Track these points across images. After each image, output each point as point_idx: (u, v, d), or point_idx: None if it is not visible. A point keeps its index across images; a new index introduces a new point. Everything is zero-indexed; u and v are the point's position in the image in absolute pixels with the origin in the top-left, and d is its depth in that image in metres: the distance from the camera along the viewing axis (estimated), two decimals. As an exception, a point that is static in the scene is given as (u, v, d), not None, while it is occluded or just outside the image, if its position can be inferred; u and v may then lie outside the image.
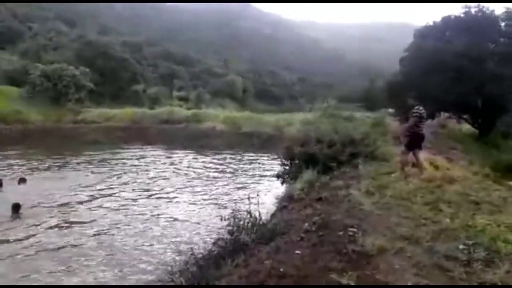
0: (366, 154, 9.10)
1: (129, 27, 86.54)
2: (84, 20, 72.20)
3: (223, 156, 19.99)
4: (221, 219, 5.53)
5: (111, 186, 12.66)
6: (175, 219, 9.31)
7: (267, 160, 18.29)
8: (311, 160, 8.54)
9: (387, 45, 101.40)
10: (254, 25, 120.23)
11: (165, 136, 24.54)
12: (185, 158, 19.50)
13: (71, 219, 9.03)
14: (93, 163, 16.96)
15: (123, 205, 10.37)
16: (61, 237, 7.89)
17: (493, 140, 19.46)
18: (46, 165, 15.96)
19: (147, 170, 15.74)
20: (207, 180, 14.24)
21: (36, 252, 7.06)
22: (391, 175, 7.38)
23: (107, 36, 50.93)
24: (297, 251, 3.94)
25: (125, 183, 13.20)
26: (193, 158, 19.39)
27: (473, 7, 20.09)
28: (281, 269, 3.49)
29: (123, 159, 18.42)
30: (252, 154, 20.51)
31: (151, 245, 7.63)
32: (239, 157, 19.81)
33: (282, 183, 9.58)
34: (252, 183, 13.82)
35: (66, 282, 6.04)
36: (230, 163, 18.36)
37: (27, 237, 7.73)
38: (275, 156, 12.32)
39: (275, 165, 12.25)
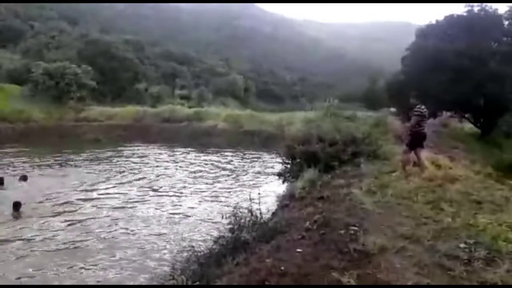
0: (368, 153, 9.10)
1: (130, 26, 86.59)
2: (86, 18, 72.32)
3: (224, 154, 20.00)
4: (222, 217, 5.53)
5: (113, 184, 12.68)
6: (177, 217, 9.33)
7: (269, 158, 18.29)
8: (313, 159, 8.54)
9: (388, 44, 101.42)
10: (254, 25, 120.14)
11: (166, 135, 24.56)
12: (186, 156, 19.51)
13: (72, 217, 9.05)
14: (95, 161, 16.99)
15: (124, 203, 10.39)
16: (62, 235, 7.90)
17: (495, 139, 19.44)
18: (48, 162, 15.98)
19: (148, 168, 15.75)
20: (208, 178, 14.25)
21: (36, 251, 7.07)
22: (393, 174, 7.37)
23: (109, 35, 50.88)
24: (298, 250, 3.94)
25: (126, 181, 13.21)
26: (194, 156, 19.39)
27: (476, 6, 20.03)
28: (282, 268, 3.49)
29: (124, 157, 18.44)
30: (253, 153, 20.52)
31: (152, 242, 7.64)
32: (240, 156, 19.82)
33: (283, 182, 9.59)
34: (254, 181, 13.83)
35: (66, 280, 6.05)
36: (231, 161, 18.36)
37: (27, 236, 7.74)
38: (277, 155, 12.32)
39: (277, 164, 12.27)
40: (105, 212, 9.49)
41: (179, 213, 9.67)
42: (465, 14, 20.23)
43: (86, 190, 11.62)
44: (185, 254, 5.29)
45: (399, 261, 3.52)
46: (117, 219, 9.01)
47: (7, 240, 7.52)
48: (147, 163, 17.04)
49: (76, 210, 9.63)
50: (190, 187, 12.71)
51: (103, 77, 33.88)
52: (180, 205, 10.53)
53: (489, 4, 20.04)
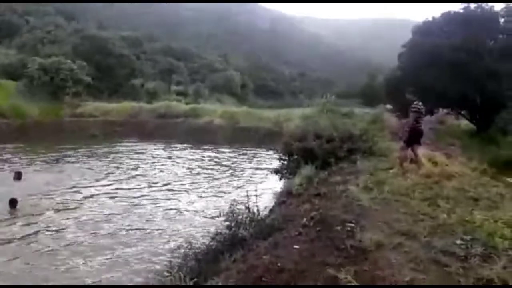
0: (365, 150, 9.10)
1: (130, 21, 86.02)
2: (83, 14, 71.68)
3: (221, 150, 19.99)
4: (219, 214, 5.53)
5: (109, 180, 12.65)
6: (173, 213, 9.33)
7: (266, 155, 18.29)
8: (310, 156, 8.54)
9: (387, 41, 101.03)
10: (254, 20, 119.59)
11: (163, 131, 24.49)
12: (182, 152, 19.49)
13: (69, 214, 9.02)
14: (91, 157, 16.94)
15: (121, 199, 10.37)
16: (59, 232, 7.88)
17: (491, 136, 19.50)
18: (44, 158, 15.91)
19: (145, 165, 15.72)
20: (204, 175, 14.24)
21: (34, 248, 7.04)
22: (389, 171, 7.37)
23: (106, 31, 50.53)
24: (295, 246, 3.94)
25: (123, 178, 13.18)
26: (190, 153, 19.37)
27: (473, 4, 20.10)
28: (279, 264, 3.49)
29: (120, 153, 18.39)
30: (250, 149, 20.51)
31: (149, 239, 7.64)
32: (237, 152, 19.81)
33: (280, 179, 9.59)
34: (251, 178, 13.83)
35: (65, 279, 6.01)
36: (227, 157, 18.35)
37: (24, 233, 7.69)
38: (274, 151, 12.32)
39: (274, 160, 12.26)
40: (102, 209, 9.47)
41: (175, 209, 9.67)
42: (461, 11, 20.27)
43: (83, 186, 11.58)
44: (182, 250, 5.29)
45: (396, 257, 3.52)
46: (113, 215, 8.99)
47: (3, 238, 7.45)
48: (144, 159, 17.00)
49: (73, 207, 9.60)
50: (186, 183, 12.70)
51: (99, 73, 33.72)
52: (177, 201, 10.53)
53: (485, 4, 20.12)
